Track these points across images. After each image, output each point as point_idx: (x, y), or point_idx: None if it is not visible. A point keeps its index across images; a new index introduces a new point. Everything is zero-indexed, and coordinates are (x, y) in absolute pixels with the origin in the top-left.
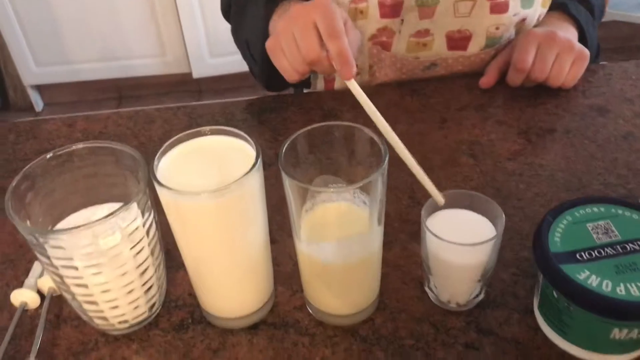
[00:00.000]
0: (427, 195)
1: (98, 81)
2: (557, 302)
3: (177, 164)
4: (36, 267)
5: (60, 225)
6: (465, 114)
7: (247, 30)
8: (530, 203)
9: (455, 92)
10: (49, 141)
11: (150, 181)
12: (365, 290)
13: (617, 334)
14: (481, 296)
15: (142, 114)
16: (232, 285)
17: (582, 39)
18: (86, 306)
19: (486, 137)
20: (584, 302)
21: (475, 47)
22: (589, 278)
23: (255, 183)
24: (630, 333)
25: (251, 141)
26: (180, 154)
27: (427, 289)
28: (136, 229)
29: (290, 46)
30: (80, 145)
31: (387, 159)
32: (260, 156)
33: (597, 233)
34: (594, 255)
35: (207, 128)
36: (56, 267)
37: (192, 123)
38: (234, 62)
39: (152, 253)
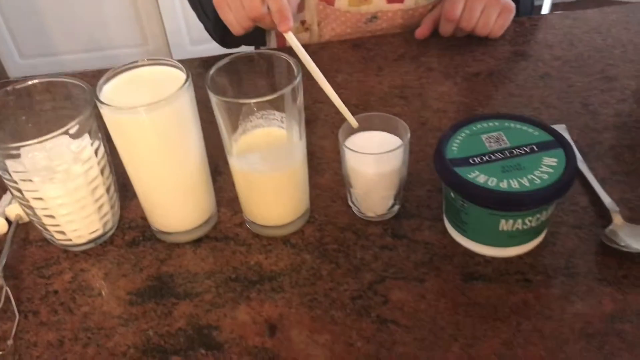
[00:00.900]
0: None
1: (82, 72)
2: (455, 202)
3: (118, 90)
4: (5, 198)
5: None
6: (401, 63)
7: None
8: None
9: (394, 45)
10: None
11: (99, 113)
12: (294, 201)
13: (504, 225)
14: (397, 206)
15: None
16: (173, 201)
17: None
18: (45, 220)
19: (417, 81)
20: (472, 196)
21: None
22: (478, 177)
23: (186, 101)
24: (516, 224)
25: (183, 68)
26: (121, 81)
27: (350, 203)
28: (84, 147)
29: (235, 3)
30: (36, 81)
31: (299, 77)
32: (190, 78)
33: (490, 142)
34: (484, 159)
35: (145, 59)
36: (16, 182)
37: None
38: (213, 49)
39: (101, 172)
